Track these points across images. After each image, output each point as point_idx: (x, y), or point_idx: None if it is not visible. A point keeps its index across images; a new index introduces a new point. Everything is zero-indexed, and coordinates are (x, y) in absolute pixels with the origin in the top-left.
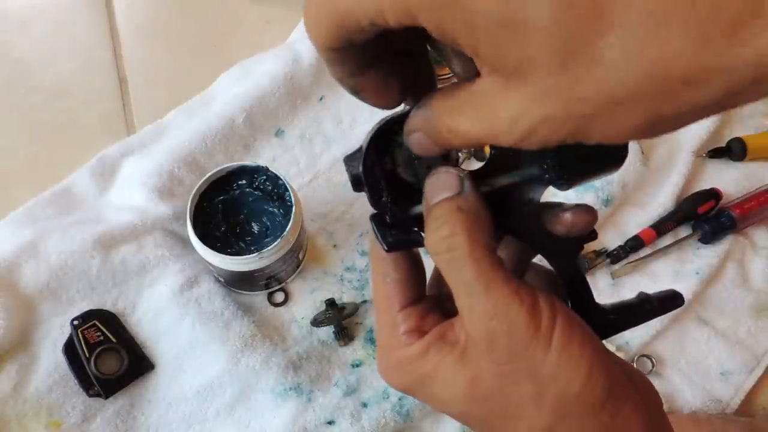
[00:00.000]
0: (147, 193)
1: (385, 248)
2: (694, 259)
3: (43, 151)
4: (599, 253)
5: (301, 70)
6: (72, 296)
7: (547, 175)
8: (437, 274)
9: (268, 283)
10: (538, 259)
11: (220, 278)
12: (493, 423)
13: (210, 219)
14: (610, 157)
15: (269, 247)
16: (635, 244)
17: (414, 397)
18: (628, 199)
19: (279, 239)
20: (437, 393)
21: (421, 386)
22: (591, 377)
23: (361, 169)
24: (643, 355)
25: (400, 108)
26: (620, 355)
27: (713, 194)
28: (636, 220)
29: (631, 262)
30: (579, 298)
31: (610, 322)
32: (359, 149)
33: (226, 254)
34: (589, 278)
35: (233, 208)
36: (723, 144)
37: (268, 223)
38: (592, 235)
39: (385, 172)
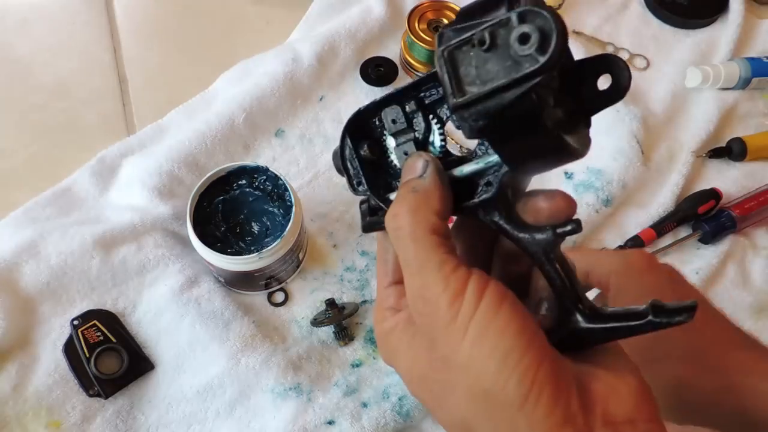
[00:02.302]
0: (147, 193)
1: (362, 230)
2: (694, 259)
3: (43, 151)
4: None
5: (301, 70)
6: (72, 296)
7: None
8: None
9: (268, 283)
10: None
11: (220, 278)
12: (429, 405)
13: (210, 219)
14: (551, 154)
15: (269, 247)
16: (635, 244)
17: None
18: (628, 199)
19: (279, 239)
20: (398, 368)
21: (392, 361)
22: (502, 372)
23: (338, 158)
24: None
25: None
26: None
27: (713, 194)
28: (636, 220)
29: None
30: (558, 297)
31: (597, 331)
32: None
33: (226, 254)
34: None
35: (233, 208)
36: (723, 144)
37: (268, 223)
38: (573, 227)
39: (364, 160)
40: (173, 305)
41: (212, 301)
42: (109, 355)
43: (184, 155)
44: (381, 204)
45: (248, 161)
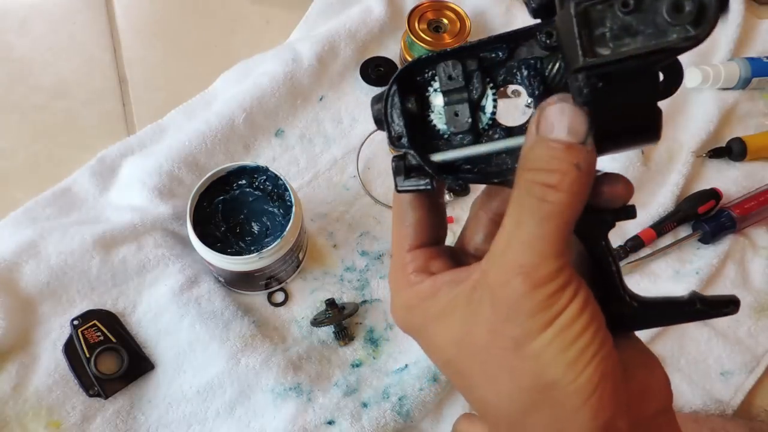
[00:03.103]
0: (147, 193)
1: (396, 190)
2: (694, 259)
3: (43, 151)
4: None
5: (301, 70)
6: (72, 296)
7: None
8: (465, 226)
9: (268, 283)
10: None
11: (220, 278)
12: (471, 378)
13: (210, 219)
14: (634, 133)
15: (269, 247)
16: (635, 244)
17: (415, 339)
18: None
19: (279, 239)
20: (434, 336)
21: (423, 329)
22: (575, 367)
23: (382, 107)
24: None
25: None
26: None
27: (713, 194)
28: (636, 220)
29: (631, 262)
30: (603, 279)
31: (638, 315)
32: (384, 90)
33: (226, 254)
34: None
35: (233, 208)
36: (723, 144)
37: (268, 223)
38: (629, 212)
39: (409, 114)
40: (173, 305)
41: (212, 301)
42: (109, 355)
43: (184, 155)
44: (423, 163)
45: (248, 161)
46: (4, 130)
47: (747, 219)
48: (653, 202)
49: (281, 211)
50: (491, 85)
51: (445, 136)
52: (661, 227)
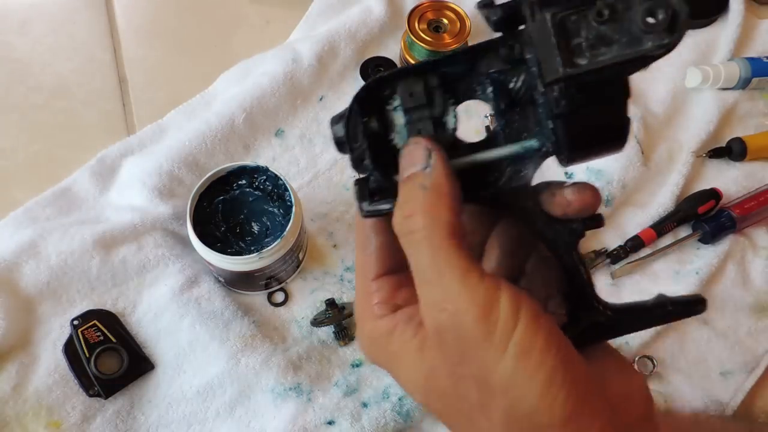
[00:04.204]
0: (147, 193)
1: (362, 214)
2: (694, 259)
3: (43, 151)
4: (599, 253)
5: (301, 70)
6: (72, 296)
7: (545, 148)
8: None
9: (268, 283)
10: None
11: (220, 278)
12: (449, 420)
13: (210, 219)
14: (605, 142)
15: (269, 247)
16: (635, 244)
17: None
18: (628, 199)
19: (279, 239)
20: (401, 376)
21: (388, 364)
22: (548, 394)
23: (343, 129)
24: (644, 356)
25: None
26: None
27: (713, 194)
28: (636, 220)
29: (631, 262)
30: (576, 291)
31: (614, 323)
32: (344, 111)
33: (226, 254)
34: None
35: (233, 208)
36: (723, 144)
37: (268, 223)
38: (597, 221)
39: (371, 134)
40: (173, 305)
41: (212, 301)
42: (109, 355)
43: (184, 155)
44: (387, 184)
45: (248, 161)
46: (4, 130)
47: (747, 219)
48: (653, 202)
49: (281, 211)
50: (452, 101)
51: None
52: (661, 227)
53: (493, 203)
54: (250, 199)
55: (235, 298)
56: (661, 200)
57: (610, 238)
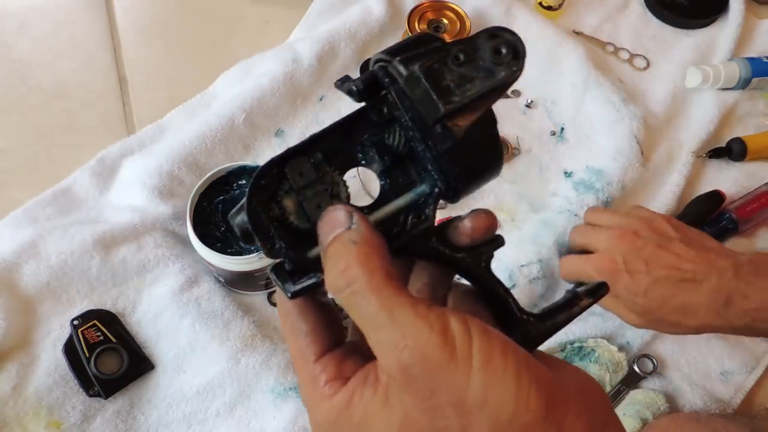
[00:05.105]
0: (147, 193)
1: (288, 296)
2: None
3: (43, 151)
4: None
5: (301, 70)
6: (72, 296)
7: (437, 189)
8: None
9: (268, 283)
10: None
11: (220, 278)
12: None
13: (210, 219)
14: (488, 164)
15: None
16: None
17: None
18: (628, 199)
19: None
20: None
21: None
22: (521, 392)
23: (246, 221)
24: (644, 356)
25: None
26: (621, 355)
27: (719, 199)
28: None
29: None
30: (501, 309)
31: (541, 329)
32: (242, 204)
33: (226, 254)
34: None
35: (233, 208)
36: (723, 144)
37: None
38: (499, 241)
39: (275, 219)
40: (173, 305)
41: (212, 301)
42: (109, 355)
43: (184, 155)
44: (303, 262)
45: (248, 161)
46: (4, 130)
47: (749, 221)
48: (653, 203)
49: None
50: (337, 172)
51: (311, 231)
52: None
53: (404, 252)
54: None
55: (235, 298)
56: (661, 201)
57: None
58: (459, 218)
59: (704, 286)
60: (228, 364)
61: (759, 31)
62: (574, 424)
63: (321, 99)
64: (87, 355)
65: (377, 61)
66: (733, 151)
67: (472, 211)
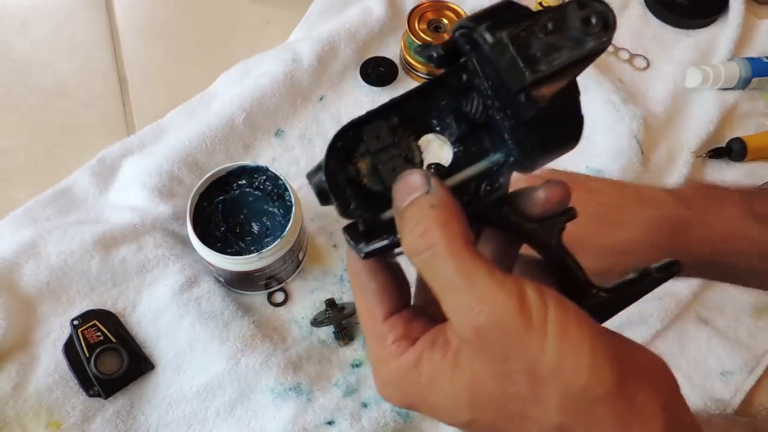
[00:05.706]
0: (147, 193)
1: (361, 256)
2: None
3: (43, 151)
4: None
5: (301, 70)
6: (72, 296)
7: (512, 158)
8: (420, 282)
9: (268, 283)
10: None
11: (220, 278)
12: (501, 427)
13: (210, 219)
14: (567, 135)
15: (269, 247)
16: None
17: (417, 411)
18: None
19: (279, 239)
20: (439, 404)
21: (421, 399)
22: (596, 365)
23: (324, 180)
24: None
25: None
26: None
27: None
28: None
29: None
30: (570, 282)
31: (608, 302)
32: (319, 163)
33: (226, 254)
34: None
35: (233, 208)
36: (723, 144)
37: (268, 223)
38: (571, 213)
39: (350, 180)
40: (173, 305)
41: (212, 301)
42: (109, 355)
43: (184, 155)
44: (377, 224)
45: (248, 161)
46: (4, 130)
47: None
48: None
49: (281, 211)
50: (413, 137)
51: (384, 194)
52: None
53: (476, 219)
54: (250, 199)
55: (235, 298)
56: None
57: None
58: (533, 188)
59: (635, 219)
60: (228, 364)
61: (759, 31)
62: (646, 402)
63: (321, 99)
64: (87, 355)
65: (459, 27)
66: (733, 151)
67: (547, 181)
